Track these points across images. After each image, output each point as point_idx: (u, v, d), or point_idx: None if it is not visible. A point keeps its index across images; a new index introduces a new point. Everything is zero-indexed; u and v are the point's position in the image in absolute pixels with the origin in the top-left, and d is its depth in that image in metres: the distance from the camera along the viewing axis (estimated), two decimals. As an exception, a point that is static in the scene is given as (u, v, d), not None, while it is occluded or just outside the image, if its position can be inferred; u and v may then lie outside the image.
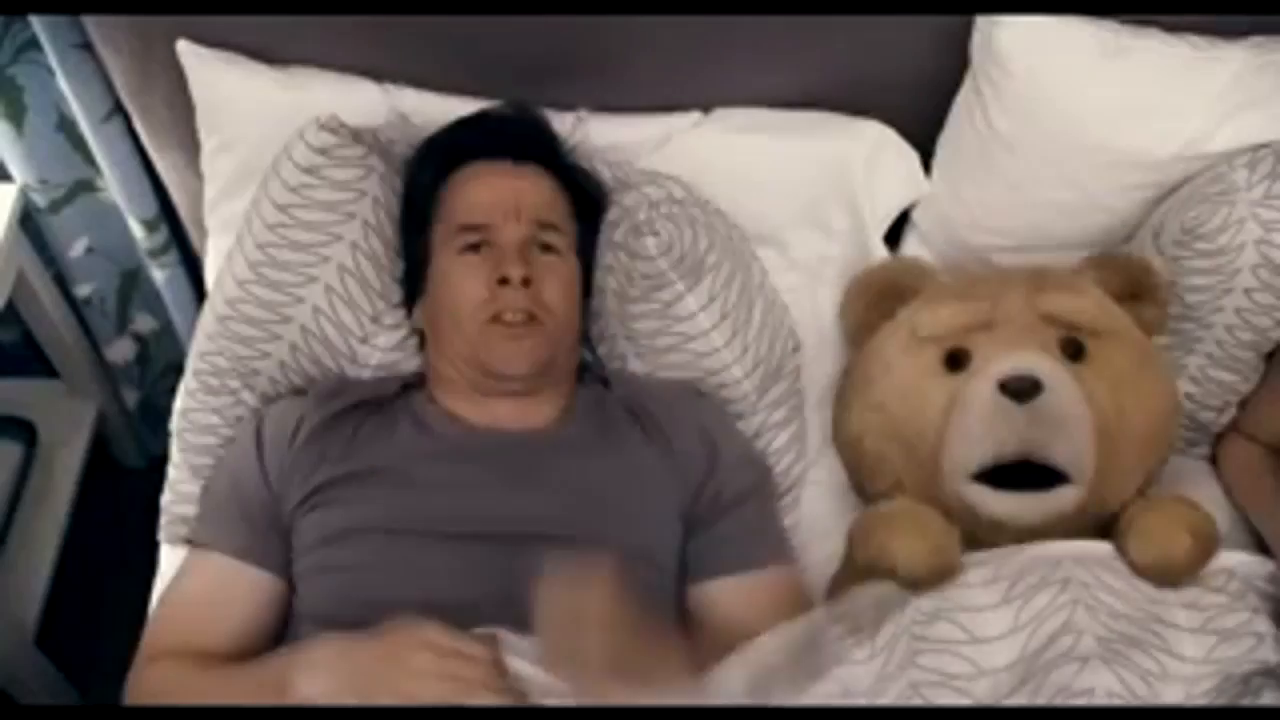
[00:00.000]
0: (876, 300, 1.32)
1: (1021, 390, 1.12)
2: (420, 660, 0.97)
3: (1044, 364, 1.15)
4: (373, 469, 1.17)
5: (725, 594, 1.18)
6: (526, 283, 1.18)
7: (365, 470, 1.17)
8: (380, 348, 1.30)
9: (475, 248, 1.21)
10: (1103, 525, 1.17)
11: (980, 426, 1.14)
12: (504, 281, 1.18)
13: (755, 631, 1.11)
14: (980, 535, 1.15)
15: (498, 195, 1.23)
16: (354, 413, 1.22)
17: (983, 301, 1.23)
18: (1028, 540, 1.13)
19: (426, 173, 1.29)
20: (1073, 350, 1.20)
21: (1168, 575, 1.07)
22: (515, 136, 1.29)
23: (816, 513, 1.35)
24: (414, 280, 1.29)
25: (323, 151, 1.25)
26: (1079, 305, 1.22)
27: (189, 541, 1.22)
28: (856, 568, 1.14)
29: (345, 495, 1.16)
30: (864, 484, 1.31)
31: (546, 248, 1.23)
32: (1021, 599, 1.05)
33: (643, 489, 1.19)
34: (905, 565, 1.05)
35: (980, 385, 1.15)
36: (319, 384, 1.28)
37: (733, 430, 1.30)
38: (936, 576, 1.05)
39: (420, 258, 1.27)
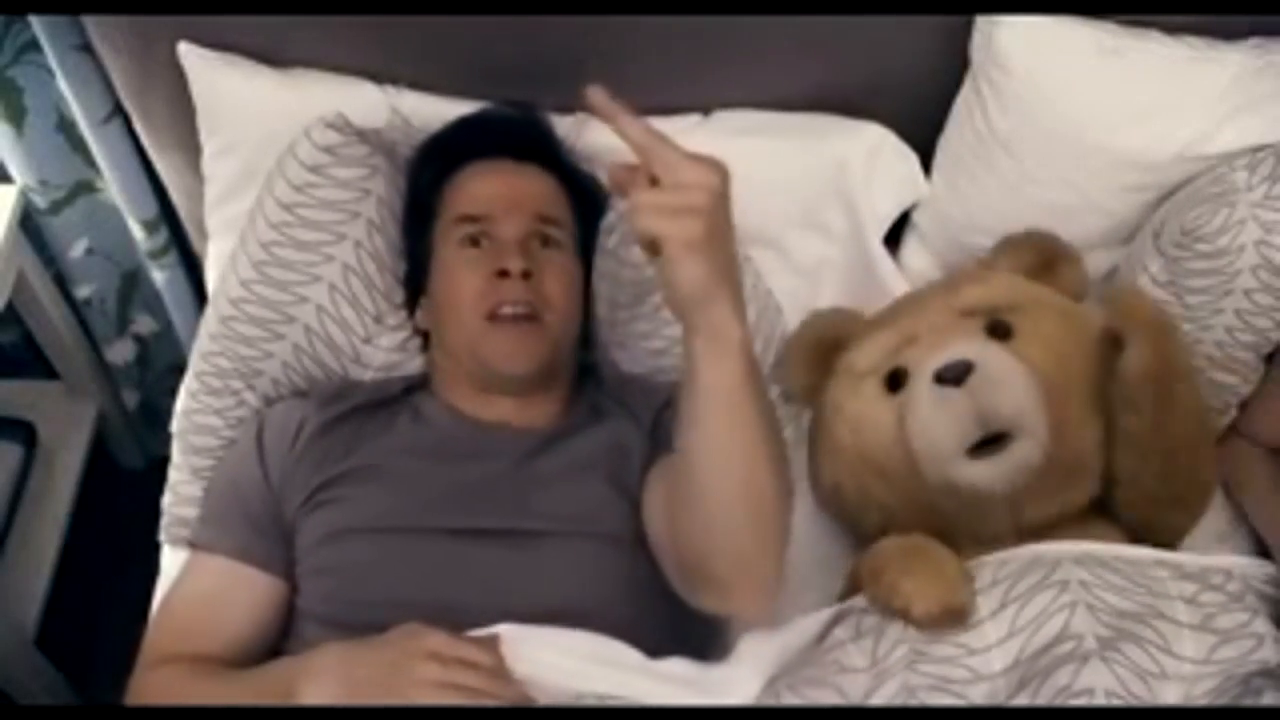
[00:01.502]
0: (813, 359, 1.34)
1: (956, 375, 1.15)
2: (425, 669, 0.97)
3: (970, 347, 1.18)
4: (371, 466, 1.17)
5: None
6: (526, 275, 1.18)
7: (363, 467, 1.17)
8: (383, 348, 1.30)
9: (475, 241, 1.22)
10: (1084, 500, 1.20)
11: (932, 420, 1.17)
12: (504, 274, 1.18)
13: None
14: (976, 525, 1.18)
15: (498, 189, 1.24)
16: (356, 414, 1.22)
17: (905, 319, 1.27)
18: (1023, 522, 1.15)
19: (428, 171, 1.29)
20: (999, 331, 1.22)
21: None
22: (516, 136, 1.29)
23: (813, 515, 1.35)
24: (417, 279, 1.29)
25: (328, 150, 1.26)
26: (990, 291, 1.26)
27: (191, 544, 1.22)
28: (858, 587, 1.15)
29: (344, 494, 1.16)
30: (856, 525, 1.32)
31: (547, 241, 1.23)
32: (1019, 601, 1.05)
33: (633, 480, 1.18)
34: (920, 608, 1.05)
35: (919, 386, 1.19)
36: (320, 386, 1.28)
37: None
38: (950, 618, 1.05)
39: (422, 256, 1.27)
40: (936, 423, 1.16)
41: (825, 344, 1.34)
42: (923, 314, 1.27)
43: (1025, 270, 1.31)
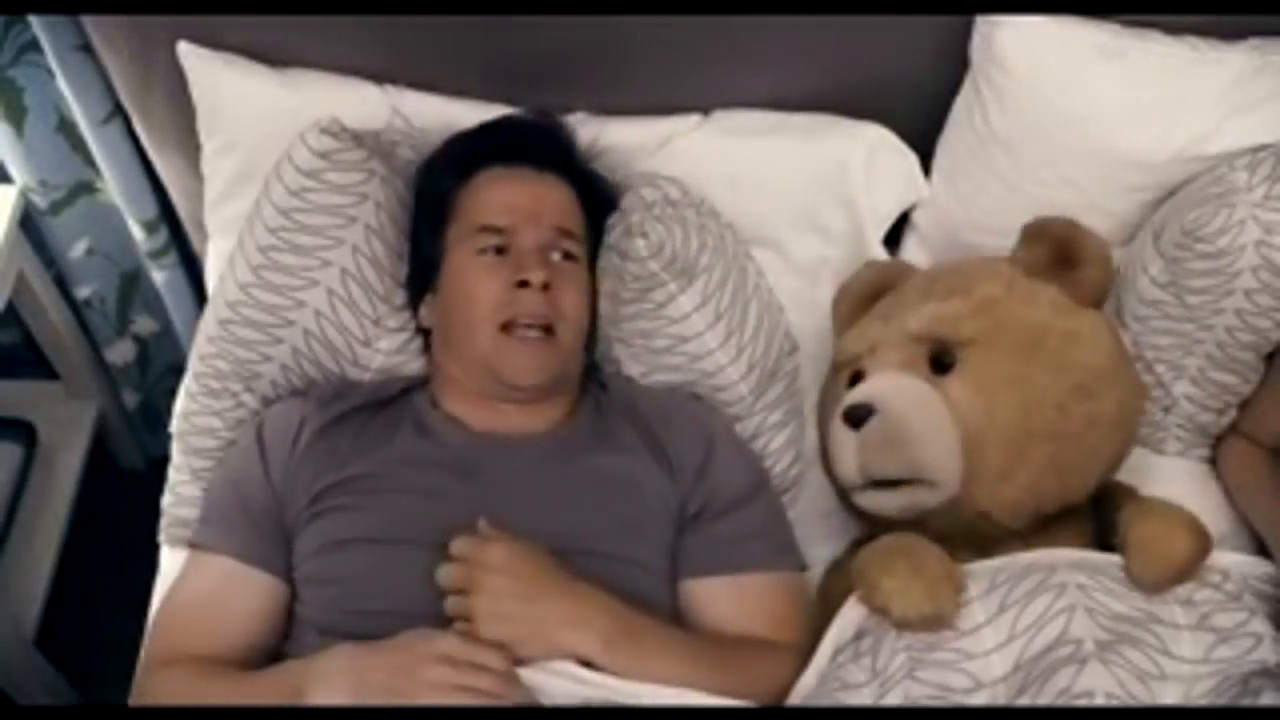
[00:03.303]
0: (853, 316, 1.34)
1: (857, 417, 1.17)
2: (436, 673, 0.98)
3: (887, 386, 1.19)
4: (371, 475, 1.17)
5: (716, 593, 1.17)
6: (546, 287, 1.19)
7: (364, 475, 1.17)
8: (382, 350, 1.30)
9: (496, 250, 1.22)
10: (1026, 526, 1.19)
11: (835, 453, 1.22)
12: (523, 285, 1.18)
13: (746, 632, 1.13)
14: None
15: (519, 199, 1.24)
16: (356, 416, 1.22)
17: (877, 322, 1.27)
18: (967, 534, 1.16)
19: (446, 172, 1.29)
20: (942, 363, 1.19)
21: (1173, 579, 1.08)
22: (537, 144, 1.29)
23: (815, 514, 1.35)
24: (421, 278, 1.28)
25: (324, 155, 1.25)
26: (947, 314, 1.20)
27: (191, 544, 1.21)
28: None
29: (344, 502, 1.16)
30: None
31: (565, 255, 1.24)
32: (1018, 605, 1.05)
33: (640, 497, 1.18)
34: (899, 608, 1.06)
35: (837, 412, 1.22)
36: (319, 386, 1.28)
37: (730, 433, 1.29)
38: (930, 623, 1.05)
39: (433, 255, 1.26)
40: (838, 457, 1.20)
41: (873, 296, 1.34)
42: (892, 319, 1.24)
43: (1040, 268, 1.22)
